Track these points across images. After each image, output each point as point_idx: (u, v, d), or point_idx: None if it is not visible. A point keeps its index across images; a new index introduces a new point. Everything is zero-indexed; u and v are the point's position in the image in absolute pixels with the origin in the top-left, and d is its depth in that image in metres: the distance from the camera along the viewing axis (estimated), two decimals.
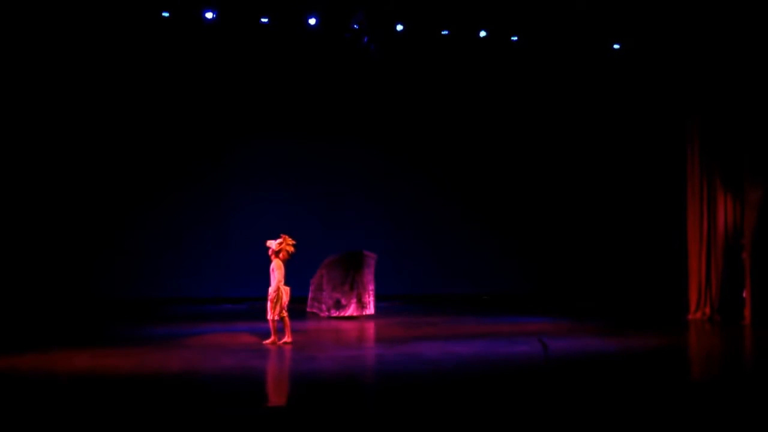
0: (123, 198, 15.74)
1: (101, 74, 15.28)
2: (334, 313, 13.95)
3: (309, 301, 14.60)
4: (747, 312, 12.68)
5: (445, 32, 14.45)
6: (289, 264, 10.61)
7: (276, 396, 7.64)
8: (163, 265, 15.90)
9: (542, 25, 14.32)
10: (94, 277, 15.41)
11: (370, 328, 13.00)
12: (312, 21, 14.07)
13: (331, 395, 7.04)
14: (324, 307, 14.13)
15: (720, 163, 13.17)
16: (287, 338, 10.46)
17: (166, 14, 13.83)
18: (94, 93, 15.33)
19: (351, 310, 14.00)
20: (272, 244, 10.50)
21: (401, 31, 14.40)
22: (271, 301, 10.32)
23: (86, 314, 13.85)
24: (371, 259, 14.36)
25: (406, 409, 6.68)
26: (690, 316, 13.29)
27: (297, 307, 13.86)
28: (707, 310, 13.15)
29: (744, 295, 12.80)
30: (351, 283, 14.05)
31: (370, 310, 14.18)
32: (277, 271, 10.36)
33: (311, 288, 14.60)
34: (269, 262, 10.61)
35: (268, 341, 10.48)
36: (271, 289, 10.36)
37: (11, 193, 14.54)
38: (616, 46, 14.78)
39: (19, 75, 14.33)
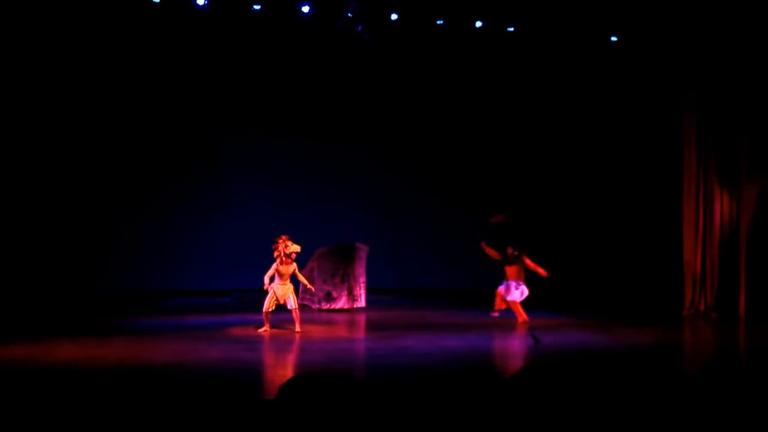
0: (113, 192, 15.55)
1: (93, 66, 15.05)
2: (325, 306, 13.84)
3: (300, 293, 14.46)
4: (742, 308, 12.62)
5: (440, 22, 14.31)
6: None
7: (264, 388, 7.53)
8: (153, 259, 15.76)
9: (538, 15, 14.18)
10: (84, 270, 15.24)
11: (361, 320, 12.91)
12: (305, 9, 13.90)
13: (320, 388, 6.90)
14: (315, 299, 14.01)
15: (716, 159, 13.10)
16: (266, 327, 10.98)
17: (156, 0, 13.61)
18: (86, 86, 15.10)
19: (342, 303, 13.89)
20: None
21: (396, 20, 14.25)
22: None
23: (74, 306, 13.69)
24: (363, 251, 14.24)
25: (395, 403, 6.57)
26: (685, 312, 13.22)
27: None
28: (702, 306, 13.08)
29: (739, 291, 12.74)
30: (342, 276, 13.94)
31: (361, 302, 14.07)
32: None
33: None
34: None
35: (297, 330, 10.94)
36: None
37: (2, 186, 14.33)
38: (613, 39, 14.66)
39: (11, 68, 14.07)
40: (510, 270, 12.54)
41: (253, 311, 11.77)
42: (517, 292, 12.40)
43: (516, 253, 12.58)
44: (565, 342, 10.01)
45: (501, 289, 12.58)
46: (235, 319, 12.10)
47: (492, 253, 12.83)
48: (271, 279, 10.90)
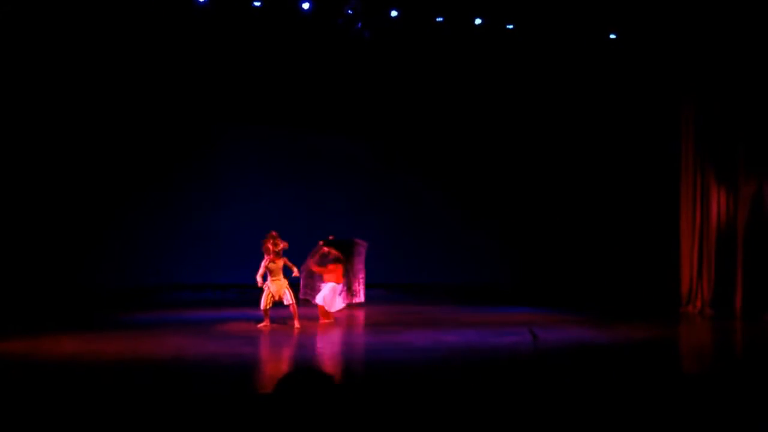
0: (111, 187, 15.56)
1: (91, 62, 15.01)
2: None
3: (302, 288, 14.48)
4: (738, 305, 12.65)
5: (439, 19, 14.33)
6: (283, 252, 11.08)
7: (263, 383, 7.57)
8: (152, 253, 15.79)
9: (537, 13, 14.20)
10: (83, 265, 15.26)
11: (360, 316, 12.95)
12: (305, 6, 13.92)
13: (318, 383, 6.95)
14: (315, 294, 14.04)
15: (714, 157, 13.12)
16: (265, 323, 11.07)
17: None
18: (85, 82, 15.06)
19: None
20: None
21: (396, 17, 14.28)
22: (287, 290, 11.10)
23: (74, 301, 13.74)
24: (362, 247, 14.27)
25: (394, 398, 6.62)
26: (681, 309, 13.26)
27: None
28: (698, 303, 13.13)
29: (736, 288, 12.77)
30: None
31: (360, 298, 14.11)
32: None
33: (302, 275, 14.50)
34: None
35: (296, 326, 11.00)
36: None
37: (1, 182, 14.32)
38: (612, 36, 14.68)
39: (6, 63, 14.04)
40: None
41: (252, 306, 11.82)
42: (339, 299, 12.00)
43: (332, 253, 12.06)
44: (563, 338, 10.05)
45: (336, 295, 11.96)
46: (234, 314, 12.15)
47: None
48: (264, 277, 10.94)
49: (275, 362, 9.04)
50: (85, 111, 15.31)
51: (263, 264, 10.91)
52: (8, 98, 14.20)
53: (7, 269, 13.94)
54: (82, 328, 10.69)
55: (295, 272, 11.36)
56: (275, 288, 10.89)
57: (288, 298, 10.91)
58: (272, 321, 11.03)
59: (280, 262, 10.97)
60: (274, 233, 11.01)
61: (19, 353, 8.62)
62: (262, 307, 10.91)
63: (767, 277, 12.48)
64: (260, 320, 10.99)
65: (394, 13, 14.15)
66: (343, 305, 12.33)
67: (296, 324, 10.91)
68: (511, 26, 14.69)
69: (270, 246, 10.87)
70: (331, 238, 12.47)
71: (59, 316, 12.13)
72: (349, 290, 13.98)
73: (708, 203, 13.14)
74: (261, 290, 11.02)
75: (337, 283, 11.95)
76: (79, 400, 6.42)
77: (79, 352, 8.64)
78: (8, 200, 14.35)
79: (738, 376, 8.00)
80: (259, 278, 10.91)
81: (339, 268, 12.05)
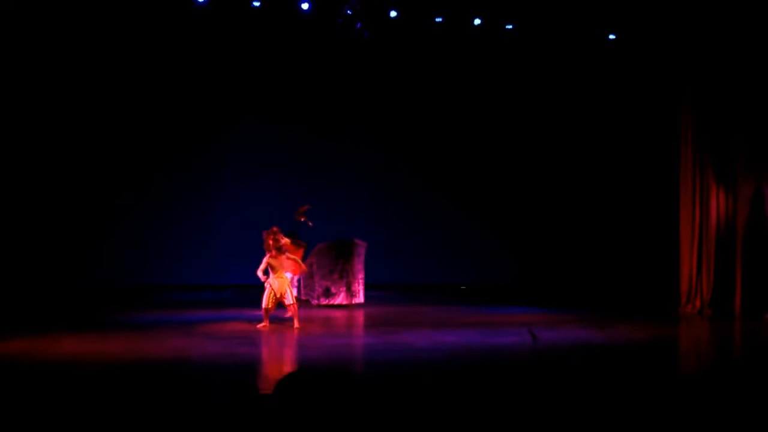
0: (111, 187, 15.57)
1: (90, 58, 15.05)
2: (324, 301, 13.89)
3: (302, 289, 14.53)
4: (737, 305, 12.65)
5: (439, 19, 14.36)
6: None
7: (263, 383, 7.58)
8: (151, 253, 15.81)
9: (537, 13, 14.23)
10: (82, 265, 15.27)
11: (360, 316, 12.95)
12: (305, 6, 13.94)
13: (317, 383, 6.97)
14: (314, 294, 14.07)
15: (713, 157, 13.11)
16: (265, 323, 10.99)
17: None
18: (79, 79, 15.08)
19: (340, 299, 13.94)
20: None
21: (395, 17, 14.30)
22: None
23: (72, 301, 13.74)
24: (361, 247, 14.28)
25: (395, 399, 6.62)
26: (681, 309, 13.26)
27: None
28: (697, 303, 13.12)
29: (735, 288, 12.77)
30: (340, 272, 13.98)
31: (360, 298, 14.12)
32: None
33: (301, 276, 14.53)
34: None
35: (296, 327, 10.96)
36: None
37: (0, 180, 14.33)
38: (611, 37, 14.70)
39: (4, 58, 14.05)
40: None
41: (252, 306, 11.82)
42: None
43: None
44: (563, 338, 10.06)
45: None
46: (234, 315, 12.15)
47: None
48: (266, 273, 10.92)
49: (275, 363, 9.05)
50: (85, 111, 15.31)
51: (264, 260, 10.88)
52: (8, 98, 14.21)
53: (7, 269, 13.95)
54: (82, 328, 10.68)
55: (303, 267, 11.51)
56: (278, 285, 10.83)
57: (289, 298, 10.90)
58: (272, 321, 11.01)
59: (282, 259, 10.95)
60: (275, 229, 10.95)
61: (19, 353, 8.63)
62: (263, 306, 10.88)
63: (767, 277, 12.49)
64: (260, 321, 10.97)
65: (393, 14, 14.17)
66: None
67: (296, 324, 10.90)
68: (510, 26, 14.72)
69: (271, 242, 10.84)
70: (303, 210, 12.49)
71: (59, 316, 12.14)
72: (349, 290, 13.99)
73: (707, 203, 13.13)
74: (262, 289, 10.99)
75: (294, 274, 11.93)
76: (79, 400, 6.42)
77: (79, 352, 8.65)
78: (8, 200, 14.35)
79: (738, 376, 8.01)
80: (260, 273, 10.87)
81: (299, 254, 12.05)
